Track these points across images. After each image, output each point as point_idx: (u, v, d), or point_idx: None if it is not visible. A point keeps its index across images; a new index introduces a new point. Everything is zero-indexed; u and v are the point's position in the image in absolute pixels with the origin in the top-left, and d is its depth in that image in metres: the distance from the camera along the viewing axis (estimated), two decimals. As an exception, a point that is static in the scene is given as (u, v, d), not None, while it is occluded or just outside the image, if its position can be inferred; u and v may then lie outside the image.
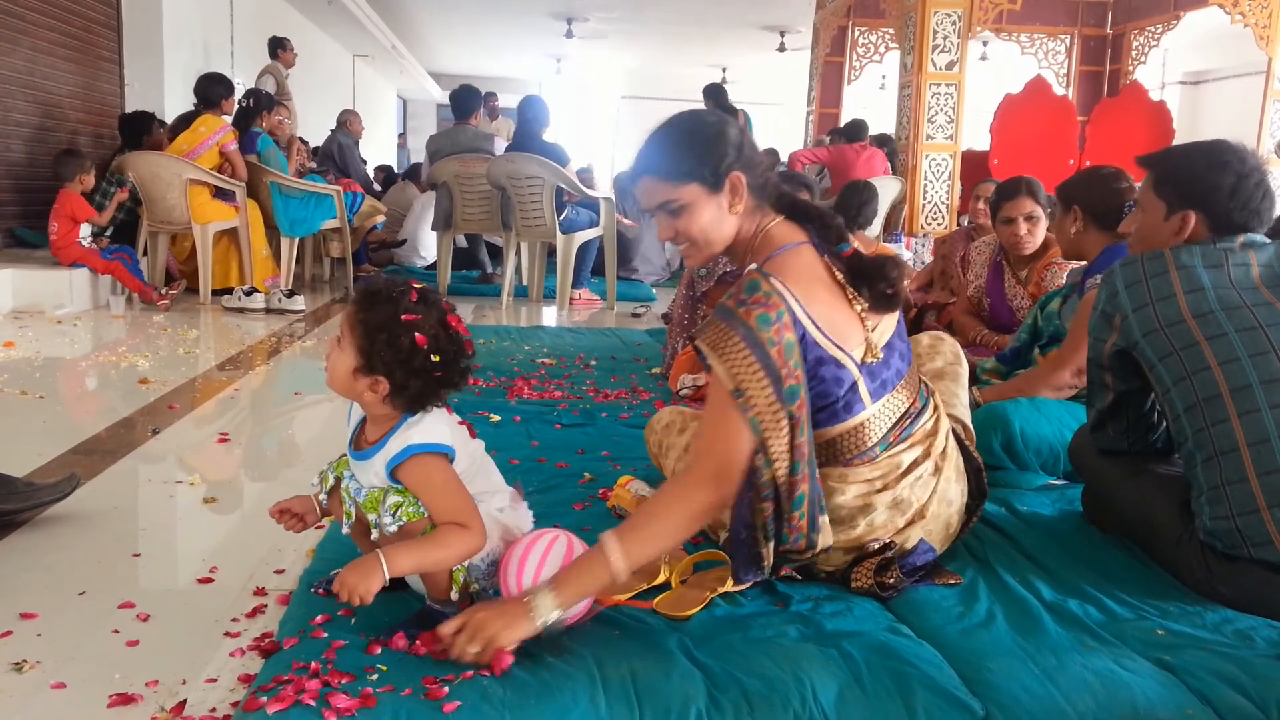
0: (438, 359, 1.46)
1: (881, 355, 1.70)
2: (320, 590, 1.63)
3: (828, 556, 1.73)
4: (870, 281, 1.68)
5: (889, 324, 1.73)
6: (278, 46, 8.11)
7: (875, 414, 1.70)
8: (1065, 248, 2.79)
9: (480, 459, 1.61)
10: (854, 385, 1.66)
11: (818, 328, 1.62)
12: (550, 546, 1.51)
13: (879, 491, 1.72)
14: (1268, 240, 1.84)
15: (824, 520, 1.65)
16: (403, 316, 1.44)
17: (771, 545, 1.63)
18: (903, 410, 1.74)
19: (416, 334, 1.44)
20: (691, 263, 1.82)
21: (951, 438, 1.85)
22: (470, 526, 1.47)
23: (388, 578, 1.40)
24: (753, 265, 1.69)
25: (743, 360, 1.56)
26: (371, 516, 1.50)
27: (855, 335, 1.66)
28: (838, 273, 1.69)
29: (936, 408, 1.83)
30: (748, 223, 1.74)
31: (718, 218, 1.71)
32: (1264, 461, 1.64)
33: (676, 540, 1.60)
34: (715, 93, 8.05)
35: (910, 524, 1.75)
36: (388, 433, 1.50)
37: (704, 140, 1.69)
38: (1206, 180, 1.86)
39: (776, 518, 1.61)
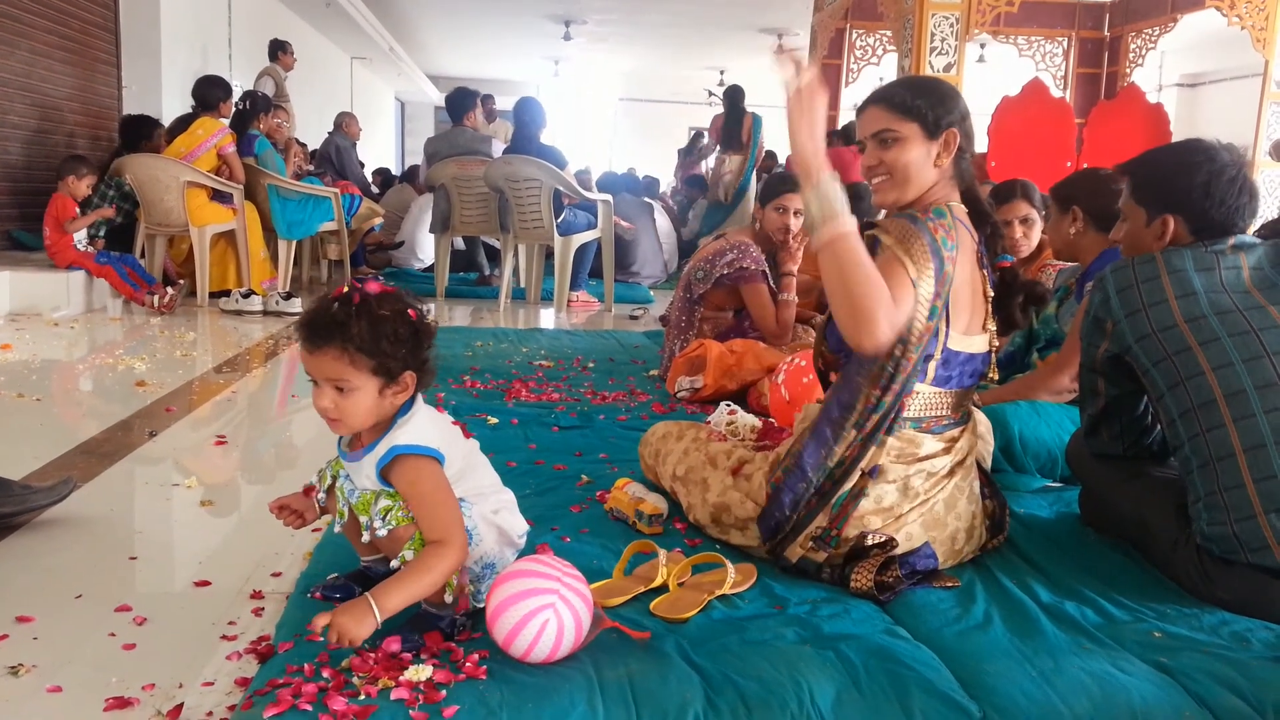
0: (412, 314, 1.47)
1: (964, 358, 1.82)
2: (317, 594, 1.63)
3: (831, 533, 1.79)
4: (1011, 301, 1.85)
5: (993, 342, 1.88)
6: (278, 49, 8.11)
7: (923, 392, 1.80)
8: (1060, 249, 2.76)
9: (473, 458, 1.60)
10: (929, 358, 1.78)
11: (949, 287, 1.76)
12: (540, 634, 1.39)
13: (893, 461, 1.78)
14: (1257, 241, 1.84)
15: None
16: (380, 312, 1.43)
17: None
18: (943, 412, 1.84)
19: (387, 310, 1.44)
20: (878, 199, 1.92)
21: (975, 460, 1.92)
22: (449, 542, 1.43)
23: (379, 621, 1.36)
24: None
25: (924, 262, 1.71)
26: (363, 518, 1.50)
27: (961, 323, 1.80)
28: (989, 287, 1.85)
29: (971, 433, 1.90)
30: (938, 188, 1.86)
31: (923, 162, 1.85)
32: (1260, 467, 1.64)
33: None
34: (734, 94, 8.48)
35: (912, 510, 1.78)
36: (380, 435, 1.49)
37: (938, 92, 1.87)
38: (1177, 183, 1.86)
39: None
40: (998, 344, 1.90)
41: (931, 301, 1.72)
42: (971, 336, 1.83)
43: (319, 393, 1.46)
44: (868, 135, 1.89)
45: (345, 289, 1.45)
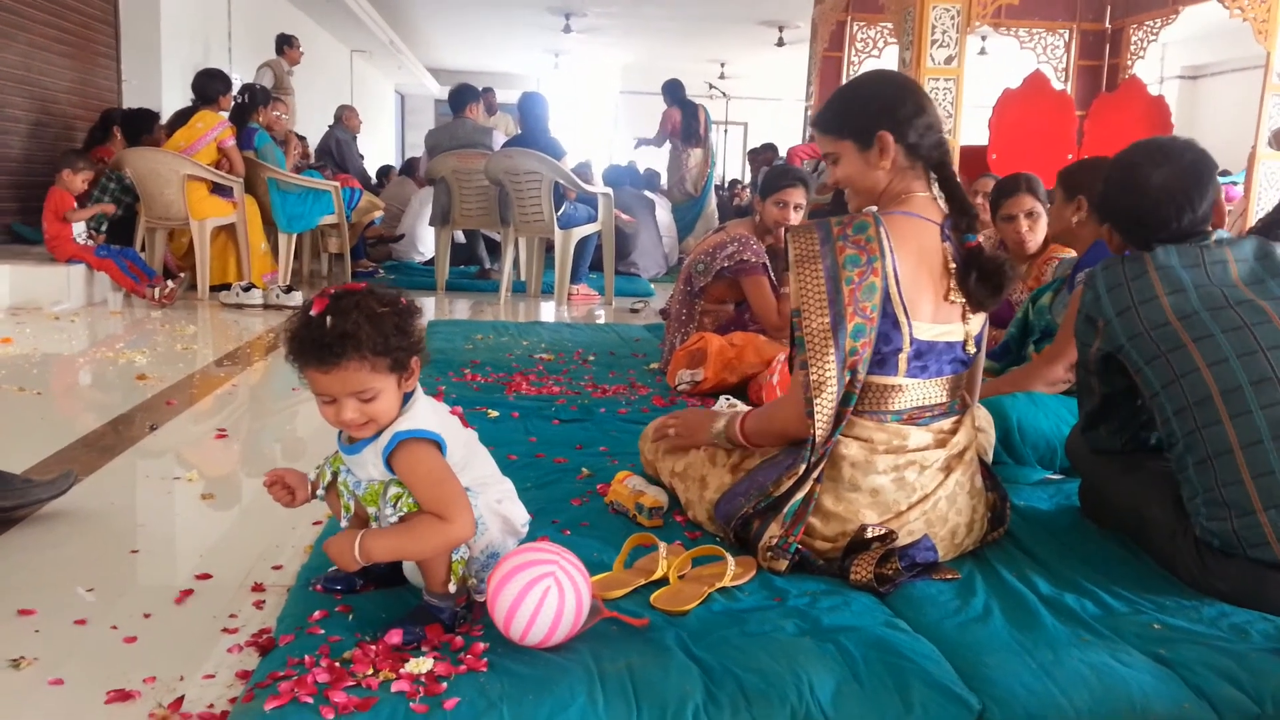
0: (403, 300, 1.49)
1: (941, 348, 1.82)
2: (318, 586, 1.63)
3: (825, 527, 1.79)
4: (978, 278, 1.80)
5: (975, 325, 1.86)
6: (284, 43, 8.11)
7: (902, 384, 1.80)
8: (1060, 234, 2.80)
9: (472, 447, 1.60)
10: (898, 350, 1.78)
11: (897, 285, 1.76)
12: (541, 602, 1.40)
13: (881, 453, 1.79)
14: (1240, 238, 1.83)
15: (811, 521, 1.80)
16: (380, 309, 1.44)
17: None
18: (930, 402, 1.84)
19: (384, 306, 1.44)
20: (852, 205, 1.95)
21: (975, 453, 1.92)
22: (451, 519, 1.44)
23: (360, 564, 1.44)
24: (873, 208, 1.86)
25: (814, 287, 1.76)
26: (371, 509, 1.50)
27: (925, 312, 1.79)
28: (952, 263, 1.82)
29: (969, 427, 1.90)
30: (898, 181, 1.88)
31: (864, 170, 1.89)
32: (1258, 463, 1.63)
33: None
34: (679, 88, 8.45)
35: (913, 507, 1.78)
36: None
37: (859, 100, 1.91)
38: (1103, 206, 1.94)
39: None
40: (979, 329, 1.89)
41: (844, 327, 1.73)
42: (943, 325, 1.82)
43: (338, 407, 1.44)
44: (823, 155, 1.97)
45: (324, 299, 1.44)
